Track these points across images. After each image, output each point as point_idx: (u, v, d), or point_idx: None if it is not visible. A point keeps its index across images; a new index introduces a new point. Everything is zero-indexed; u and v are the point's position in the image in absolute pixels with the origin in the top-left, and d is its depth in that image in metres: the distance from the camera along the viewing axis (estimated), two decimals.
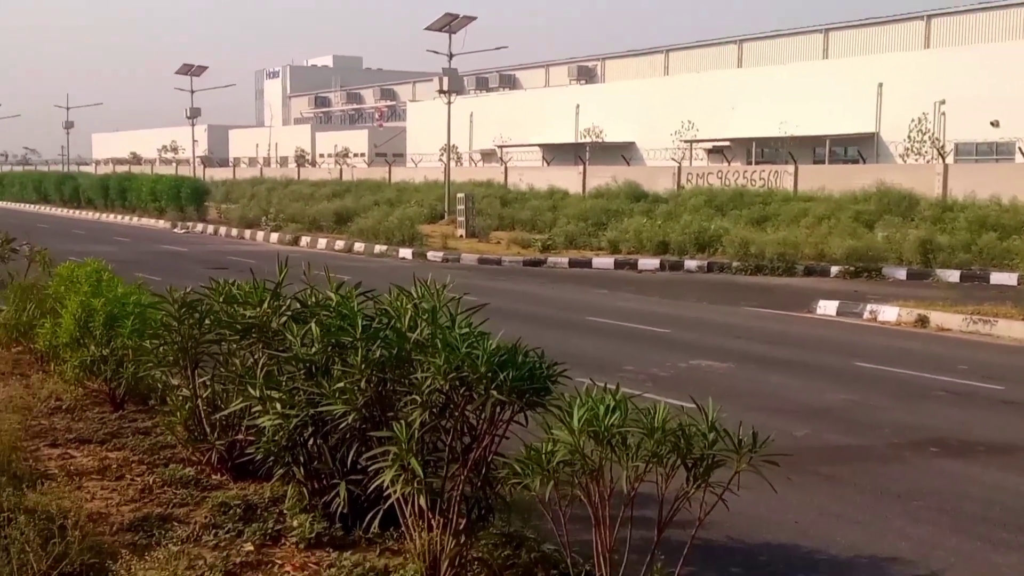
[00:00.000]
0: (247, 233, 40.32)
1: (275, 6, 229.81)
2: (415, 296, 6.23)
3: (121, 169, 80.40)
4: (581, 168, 48.13)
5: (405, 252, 31.70)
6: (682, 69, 71.36)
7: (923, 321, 17.93)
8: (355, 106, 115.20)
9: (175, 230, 44.23)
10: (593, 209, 36.73)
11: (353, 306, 6.36)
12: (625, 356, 14.38)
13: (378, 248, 32.78)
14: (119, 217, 51.55)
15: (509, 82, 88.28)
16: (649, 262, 28.28)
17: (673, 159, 48.21)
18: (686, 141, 55.12)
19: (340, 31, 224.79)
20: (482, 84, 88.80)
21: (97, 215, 53.73)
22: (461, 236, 35.19)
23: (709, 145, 55.19)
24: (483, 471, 5.74)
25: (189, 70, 65.22)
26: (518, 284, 24.29)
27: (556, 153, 59.81)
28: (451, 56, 42.47)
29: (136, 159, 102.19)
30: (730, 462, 4.93)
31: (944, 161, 36.37)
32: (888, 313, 18.68)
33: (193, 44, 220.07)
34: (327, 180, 60.86)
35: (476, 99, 74.86)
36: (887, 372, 13.51)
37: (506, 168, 52.58)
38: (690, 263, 27.87)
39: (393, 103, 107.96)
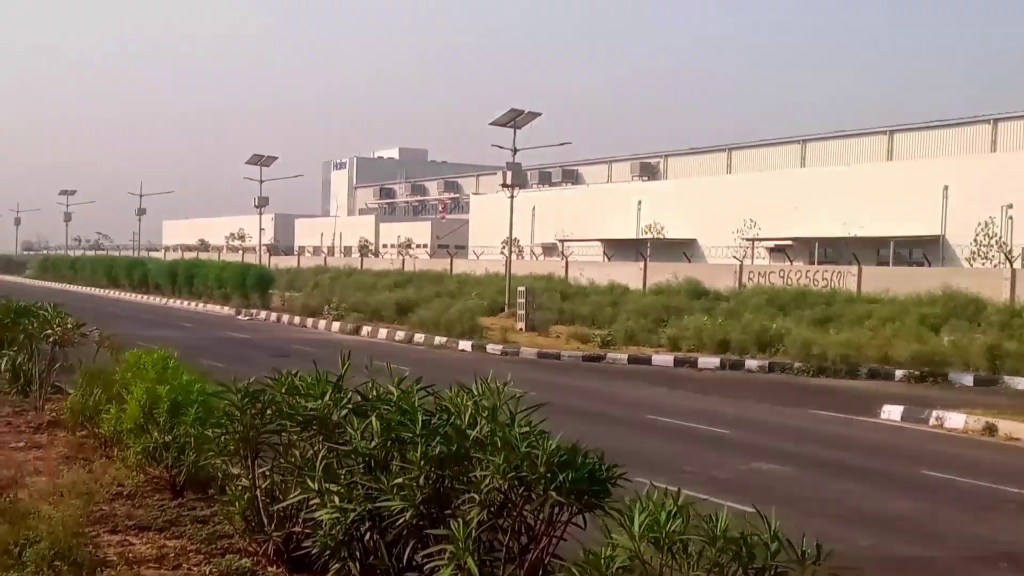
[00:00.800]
0: (309, 321, 40.62)
1: (344, 98, 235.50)
2: (475, 392, 6.24)
3: (189, 255, 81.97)
4: (642, 264, 48.01)
5: (465, 344, 31.74)
6: (745, 167, 71.49)
7: (991, 429, 17.47)
8: (419, 198, 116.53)
9: (239, 317, 44.73)
10: (653, 305, 36.56)
11: (413, 401, 6.38)
12: (685, 457, 14.21)
13: (438, 339, 32.84)
14: (186, 303, 52.25)
15: (572, 177, 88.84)
16: (709, 360, 28.00)
17: (734, 257, 47.98)
18: (748, 239, 54.93)
19: (407, 124, 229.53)
20: (545, 178, 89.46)
21: (165, 300, 54.71)
22: (521, 329, 35.26)
23: (771, 244, 54.94)
24: (540, 573, 5.64)
25: (259, 160, 66.27)
26: (577, 380, 24.19)
27: (617, 248, 59.91)
28: (515, 151, 42.78)
29: (204, 246, 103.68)
30: (793, 573, 4.80)
31: (1012, 265, 35.75)
32: (955, 420, 18.23)
33: (263, 134, 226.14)
34: (389, 270, 61.25)
35: (539, 193, 75.45)
36: (955, 481, 13.20)
37: (567, 262, 52.62)
38: (751, 362, 27.53)
39: (456, 195, 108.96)
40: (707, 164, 76.38)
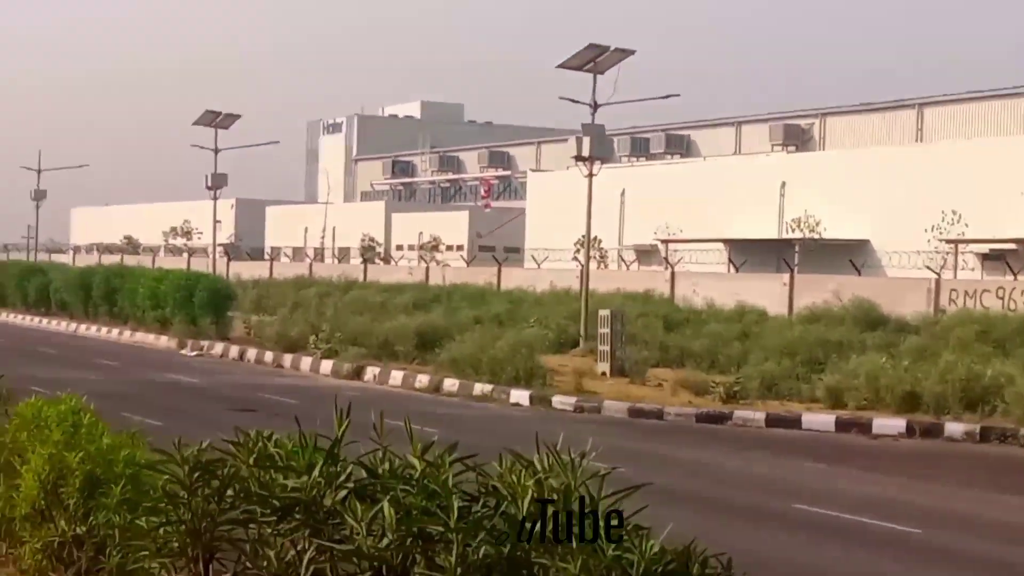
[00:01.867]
0: (287, 359, 40.88)
1: (337, 32, 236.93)
2: (538, 468, 6.24)
3: (110, 260, 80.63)
4: (786, 277, 47.75)
5: (520, 395, 31.90)
6: (943, 132, 70.89)
7: None
8: (451, 175, 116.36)
9: (184, 351, 45.10)
10: (804, 340, 36.11)
11: (445, 479, 6.38)
12: (852, 567, 14.11)
13: (479, 388, 32.99)
14: (105, 330, 52.49)
15: (679, 146, 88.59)
16: (889, 423, 27.64)
17: (928, 267, 47.43)
18: (949, 241, 54.42)
19: (432, 68, 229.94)
20: (640, 148, 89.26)
21: (74, 326, 54.89)
22: (604, 374, 35.25)
23: (985, 248, 54.42)
24: None
25: (213, 119, 65.86)
26: (689, 450, 24.38)
27: (749, 253, 59.83)
28: (595, 106, 42.44)
29: (132, 246, 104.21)
30: None
31: None
32: None
33: (222, 87, 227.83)
34: (406, 283, 60.81)
35: (631, 170, 75.55)
36: None
37: (673, 274, 52.19)
38: (954, 427, 27.16)
39: (507, 172, 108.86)
40: (885, 127, 75.96)
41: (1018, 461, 24.24)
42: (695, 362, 36.47)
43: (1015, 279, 44.36)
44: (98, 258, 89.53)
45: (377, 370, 36.86)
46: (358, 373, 37.07)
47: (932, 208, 55.33)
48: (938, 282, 43.62)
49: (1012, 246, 52.41)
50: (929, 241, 54.31)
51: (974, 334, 35.43)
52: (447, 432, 8.14)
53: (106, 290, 54.95)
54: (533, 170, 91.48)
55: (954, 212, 54.87)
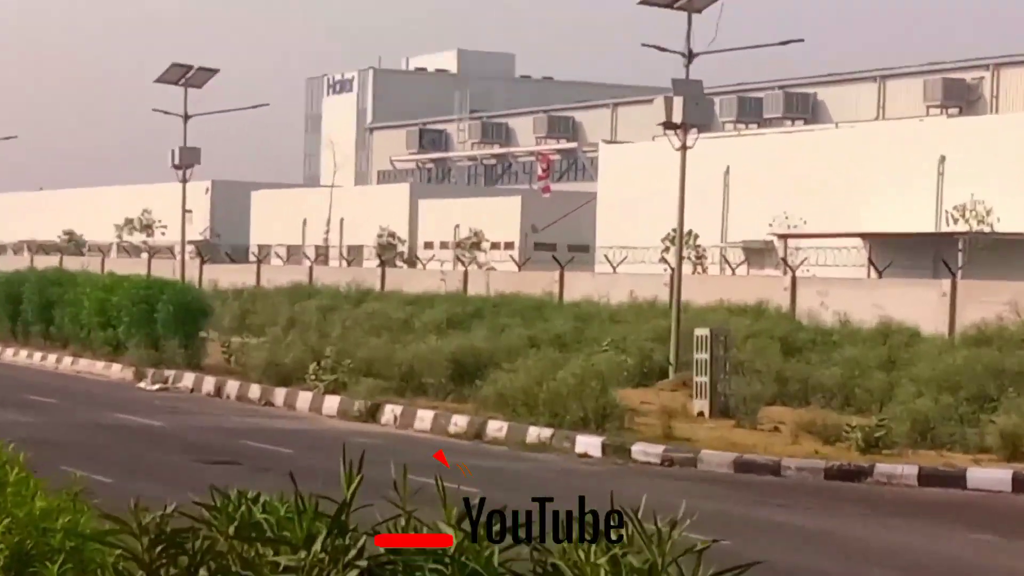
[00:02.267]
0: (280, 395, 41.06)
1: None
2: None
3: (46, 263, 79.24)
4: (947, 284, 47.88)
5: (589, 443, 31.85)
6: None
7: None
8: (496, 149, 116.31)
9: (143, 384, 45.34)
10: (970, 369, 36.03)
11: (491, 555, 6.38)
12: None
13: (535, 433, 32.95)
14: (39, 356, 52.85)
15: (802, 108, 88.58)
16: None
17: None
18: None
19: (473, 7, 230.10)
20: (750, 112, 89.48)
21: None
22: (701, 414, 35.60)
23: None
24: None
25: (182, 76, 65.69)
26: (815, 517, 24.34)
27: (896, 252, 59.97)
28: (690, 56, 43.00)
29: (74, 243, 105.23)
30: None
31: None
32: None
33: (195, 33, 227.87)
34: (438, 293, 61.61)
35: (738, 141, 75.86)
36: None
37: (794, 279, 52.99)
38: None
39: (571, 145, 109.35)
40: None
41: None
42: (823, 399, 36.64)
43: None
44: (29, 260, 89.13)
45: (399, 409, 36.98)
46: (373, 413, 37.19)
47: None
48: None
49: None
50: None
51: None
52: (492, 492, 8.37)
53: (40, 303, 55.08)
54: (606, 141, 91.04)
55: None
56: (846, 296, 50.41)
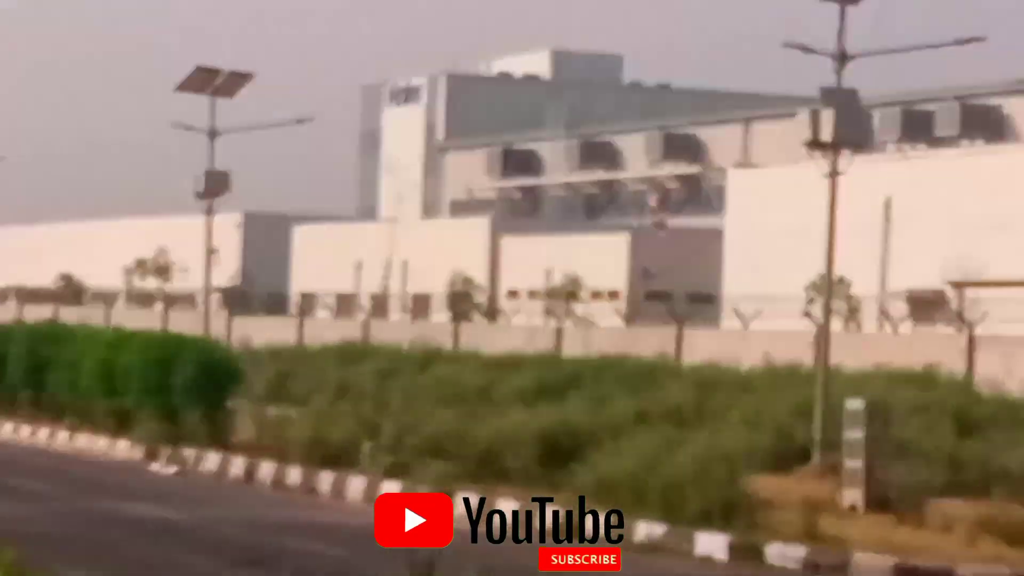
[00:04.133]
0: (326, 480, 39.89)
1: None
2: None
3: (36, 312, 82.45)
4: None
5: (712, 543, 30.94)
6: None
7: None
8: (600, 174, 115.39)
9: (156, 466, 44.86)
10: None
11: None
12: None
13: (645, 530, 31.46)
14: (28, 430, 52.52)
15: (983, 123, 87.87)
16: None
17: None
18: None
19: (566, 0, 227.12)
20: (917, 129, 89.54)
21: None
22: (853, 508, 34.66)
23: None
24: None
25: (209, 83, 63.31)
26: None
27: None
28: (843, 58, 41.24)
29: (72, 290, 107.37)
30: None
31: None
32: None
33: (226, 34, 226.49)
34: (525, 354, 60.71)
35: (902, 166, 76.33)
36: None
37: (971, 339, 51.41)
38: None
39: (693, 169, 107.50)
40: None
41: None
42: (1009, 489, 34.74)
43: None
44: (18, 311, 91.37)
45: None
46: None
47: None
48: None
49: None
50: None
51: None
52: None
53: (29, 365, 54.71)
54: (737, 165, 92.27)
55: None
56: None
